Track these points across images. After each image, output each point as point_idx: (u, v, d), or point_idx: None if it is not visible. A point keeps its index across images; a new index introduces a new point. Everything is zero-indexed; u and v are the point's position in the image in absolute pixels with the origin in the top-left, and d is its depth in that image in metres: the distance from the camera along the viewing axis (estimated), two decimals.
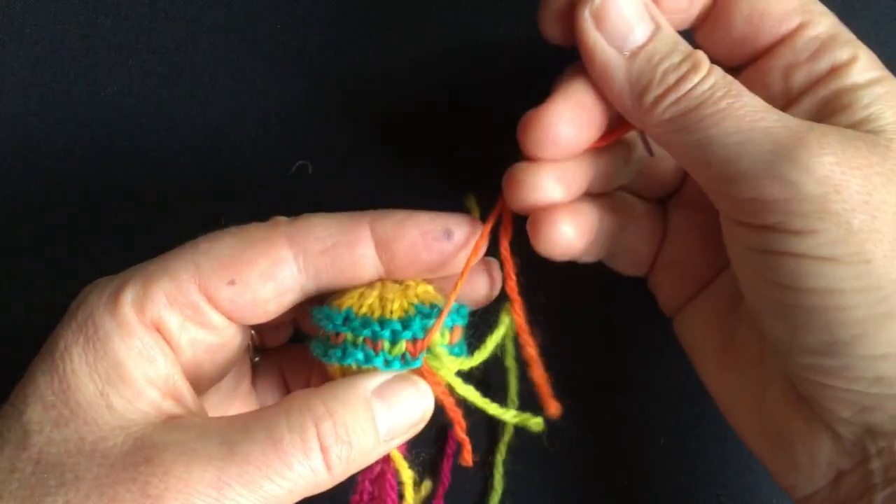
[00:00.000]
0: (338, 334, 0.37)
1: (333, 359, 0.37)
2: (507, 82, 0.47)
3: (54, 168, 0.46)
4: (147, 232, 0.46)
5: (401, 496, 0.40)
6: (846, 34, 0.36)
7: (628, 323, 0.46)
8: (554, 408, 0.40)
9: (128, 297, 0.35)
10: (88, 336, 0.34)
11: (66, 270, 0.46)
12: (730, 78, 0.34)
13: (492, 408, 0.40)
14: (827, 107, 0.35)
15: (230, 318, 0.37)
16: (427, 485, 0.44)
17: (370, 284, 0.38)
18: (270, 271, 0.36)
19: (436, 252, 0.37)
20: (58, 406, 0.33)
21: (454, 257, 0.38)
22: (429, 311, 0.37)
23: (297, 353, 0.43)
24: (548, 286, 0.46)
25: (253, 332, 0.42)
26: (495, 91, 0.47)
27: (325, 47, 0.47)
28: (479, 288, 0.40)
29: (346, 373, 0.37)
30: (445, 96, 0.47)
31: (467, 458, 0.40)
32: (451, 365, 0.37)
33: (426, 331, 0.36)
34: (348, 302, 0.37)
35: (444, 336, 0.37)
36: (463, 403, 0.39)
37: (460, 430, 0.39)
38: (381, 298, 0.37)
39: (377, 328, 0.36)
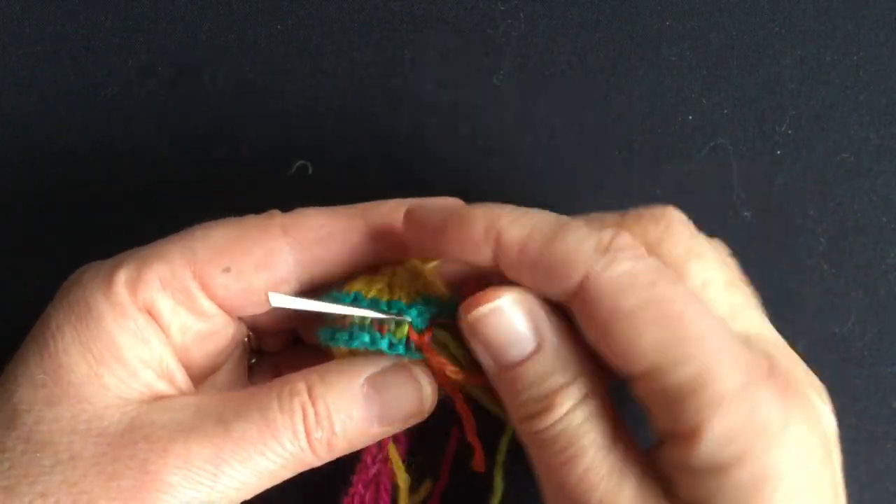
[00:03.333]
0: (345, 316, 0.36)
1: (341, 342, 0.36)
2: (507, 81, 0.47)
3: (54, 168, 0.46)
4: (147, 231, 0.46)
5: (394, 502, 0.40)
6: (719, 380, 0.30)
7: None
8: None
9: (121, 278, 0.35)
10: (81, 315, 0.34)
11: (65, 270, 0.46)
12: (588, 420, 0.32)
13: (498, 409, 0.39)
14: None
15: (223, 307, 0.37)
16: (428, 485, 0.44)
17: (381, 271, 0.38)
18: (265, 260, 0.36)
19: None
20: (48, 385, 0.33)
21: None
22: (434, 301, 0.37)
23: (296, 356, 0.43)
24: None
25: (251, 333, 0.42)
26: (495, 91, 0.47)
27: (325, 47, 0.47)
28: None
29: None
30: (445, 96, 0.47)
31: (479, 464, 0.39)
32: (456, 353, 0.37)
33: (425, 317, 0.36)
34: (357, 286, 0.37)
35: (446, 328, 0.37)
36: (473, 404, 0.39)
37: (470, 432, 0.39)
38: (390, 285, 0.37)
39: (385, 307, 0.36)
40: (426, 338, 0.36)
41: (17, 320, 0.46)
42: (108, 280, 0.35)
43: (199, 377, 0.39)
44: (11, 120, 0.47)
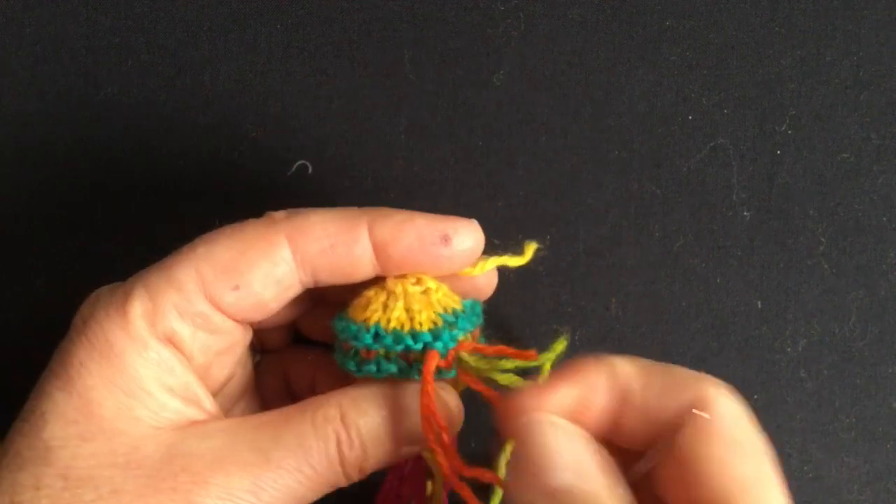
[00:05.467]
0: (369, 351, 0.37)
1: (366, 374, 0.37)
2: (507, 81, 0.47)
3: (54, 168, 0.46)
4: (147, 232, 0.46)
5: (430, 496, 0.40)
6: None
7: (629, 322, 0.46)
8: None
9: (137, 311, 0.35)
10: (103, 352, 0.34)
11: (66, 270, 0.46)
12: None
13: None
14: None
15: (234, 320, 0.37)
16: (430, 485, 0.44)
17: (387, 285, 0.37)
18: (272, 272, 0.36)
19: (432, 256, 0.37)
20: (80, 421, 0.33)
21: (450, 262, 0.38)
22: (454, 320, 0.37)
23: (300, 354, 0.43)
24: (546, 283, 0.46)
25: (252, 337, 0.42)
26: (495, 90, 0.47)
27: (327, 47, 0.47)
28: (479, 280, 0.40)
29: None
30: (445, 96, 0.47)
31: None
32: (480, 365, 0.37)
33: (455, 340, 0.37)
34: (374, 317, 0.37)
35: (467, 339, 0.38)
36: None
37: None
38: (409, 310, 0.37)
39: (410, 342, 0.36)
40: (452, 359, 0.36)
41: (18, 320, 0.46)
42: (124, 313, 0.35)
43: (218, 389, 0.39)
44: (11, 120, 0.47)
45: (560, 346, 0.43)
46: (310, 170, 0.46)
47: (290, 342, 0.44)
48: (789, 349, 0.46)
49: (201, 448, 0.33)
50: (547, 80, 0.47)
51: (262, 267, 0.36)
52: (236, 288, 0.36)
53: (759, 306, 0.46)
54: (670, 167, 0.47)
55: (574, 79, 0.47)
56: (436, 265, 0.37)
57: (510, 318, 0.46)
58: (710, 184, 0.47)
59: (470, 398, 0.41)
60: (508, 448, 0.45)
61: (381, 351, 0.36)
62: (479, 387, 0.37)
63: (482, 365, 0.37)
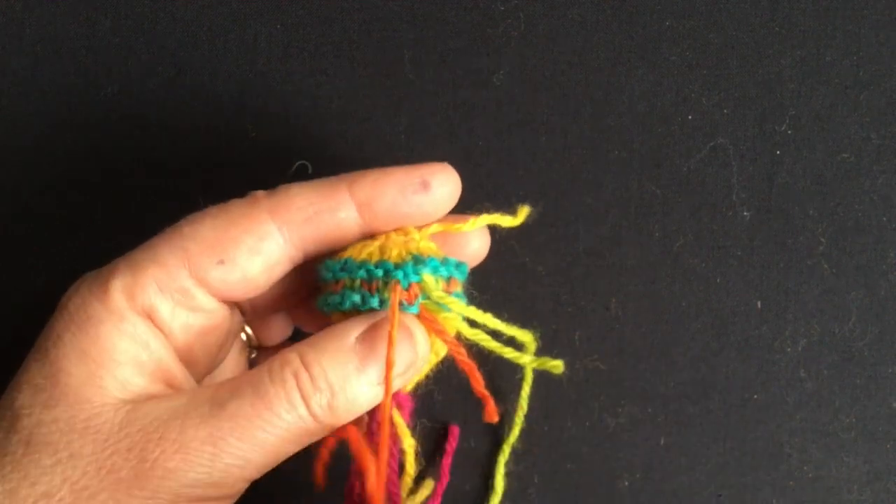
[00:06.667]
0: (337, 282, 0.37)
1: (333, 306, 0.37)
2: (507, 81, 0.47)
3: (54, 168, 0.46)
4: (146, 231, 0.46)
5: (401, 466, 0.39)
6: None
7: (629, 322, 0.46)
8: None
9: (117, 285, 0.35)
10: (80, 323, 0.35)
11: (65, 270, 0.46)
12: None
13: (507, 351, 0.39)
14: None
15: (221, 298, 0.37)
16: (430, 483, 0.44)
17: (374, 237, 0.38)
18: (257, 246, 0.36)
19: (415, 205, 0.37)
20: (47, 388, 0.34)
21: (433, 207, 0.38)
22: (424, 260, 0.37)
23: None
24: (546, 283, 0.46)
25: (250, 330, 0.42)
26: (495, 90, 0.47)
27: (327, 47, 0.47)
28: (472, 244, 0.40)
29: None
30: (445, 96, 0.47)
31: (492, 413, 0.39)
32: (452, 305, 0.37)
33: (418, 274, 0.36)
34: (349, 252, 0.37)
35: (438, 283, 0.37)
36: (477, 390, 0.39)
37: (478, 385, 0.38)
38: (382, 248, 0.37)
39: (371, 268, 0.36)
40: (414, 294, 0.36)
41: (18, 319, 0.46)
42: (105, 288, 0.35)
43: (203, 374, 0.39)
44: (11, 120, 0.47)
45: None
46: (310, 170, 0.46)
47: (288, 338, 0.44)
48: (789, 349, 0.46)
49: (159, 408, 0.34)
50: (547, 80, 0.47)
51: (246, 242, 0.36)
52: (221, 262, 0.36)
53: (759, 306, 0.46)
54: (670, 167, 0.47)
55: (574, 79, 0.47)
56: (420, 213, 0.38)
57: (510, 318, 0.46)
58: (710, 184, 0.47)
59: (467, 396, 0.41)
60: (507, 450, 0.45)
61: (347, 281, 0.36)
62: (446, 339, 0.37)
63: (449, 302, 0.37)
